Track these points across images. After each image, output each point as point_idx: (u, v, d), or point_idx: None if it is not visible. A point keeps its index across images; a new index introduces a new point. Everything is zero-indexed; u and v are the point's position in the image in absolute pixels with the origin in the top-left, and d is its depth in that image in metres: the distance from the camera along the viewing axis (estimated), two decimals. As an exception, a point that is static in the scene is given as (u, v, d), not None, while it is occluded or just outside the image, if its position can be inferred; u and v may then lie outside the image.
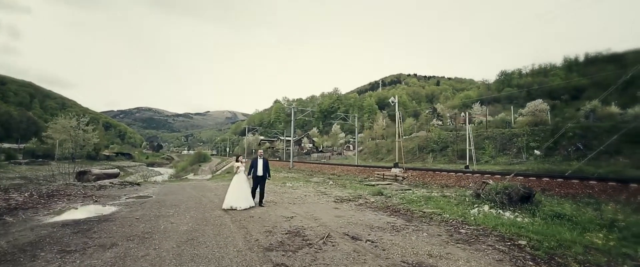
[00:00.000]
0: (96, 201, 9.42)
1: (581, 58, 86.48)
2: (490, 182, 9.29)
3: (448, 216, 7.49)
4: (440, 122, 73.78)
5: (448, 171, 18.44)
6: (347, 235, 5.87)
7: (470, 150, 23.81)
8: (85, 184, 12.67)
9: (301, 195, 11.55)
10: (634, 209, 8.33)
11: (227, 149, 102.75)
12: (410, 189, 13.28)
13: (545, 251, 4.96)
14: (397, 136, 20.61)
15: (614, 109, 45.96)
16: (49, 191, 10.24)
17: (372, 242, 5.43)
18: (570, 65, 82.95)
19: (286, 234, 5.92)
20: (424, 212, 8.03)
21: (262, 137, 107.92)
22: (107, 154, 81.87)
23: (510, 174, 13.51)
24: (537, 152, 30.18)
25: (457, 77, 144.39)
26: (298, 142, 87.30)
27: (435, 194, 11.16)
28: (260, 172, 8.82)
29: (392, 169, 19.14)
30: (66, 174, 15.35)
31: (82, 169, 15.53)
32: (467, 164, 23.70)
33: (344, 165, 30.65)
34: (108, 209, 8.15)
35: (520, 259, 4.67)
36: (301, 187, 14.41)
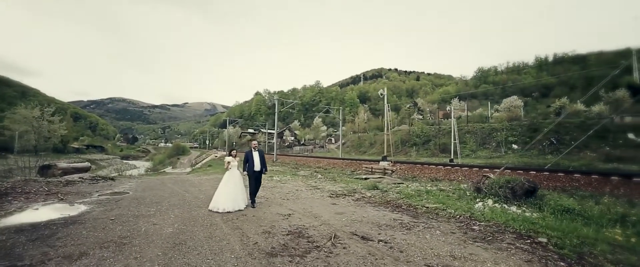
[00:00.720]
0: (62, 199, 8.28)
1: (550, 58, 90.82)
2: (491, 175, 9.02)
3: (453, 211, 7.09)
4: (420, 116, 74.98)
5: (435, 164, 18.38)
6: (356, 235, 5.29)
7: (454, 143, 23.99)
8: (49, 179, 11.31)
9: (292, 189, 10.88)
10: (630, 202, 8.33)
11: (207, 142, 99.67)
12: (402, 183, 12.94)
13: (571, 250, 4.60)
14: (385, 128, 20.28)
15: (580, 106, 48.21)
16: (1, 189, 8.91)
17: (386, 242, 4.88)
18: (541, 65, 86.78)
19: (287, 235, 5.25)
20: (427, 207, 7.61)
21: (251, 130, 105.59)
22: (77, 146, 76.85)
23: (499, 168, 13.50)
24: (514, 146, 31.05)
25: (436, 73, 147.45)
26: (280, 135, 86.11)
27: (431, 188, 10.84)
28: (257, 166, 7.78)
29: (381, 163, 18.83)
30: (26, 169, 13.75)
31: (46, 163, 13.97)
32: (452, 157, 23.89)
33: (329, 158, 30.18)
34: (76, 209, 7.10)
35: (549, 259, 4.27)
36: (290, 181, 13.72)
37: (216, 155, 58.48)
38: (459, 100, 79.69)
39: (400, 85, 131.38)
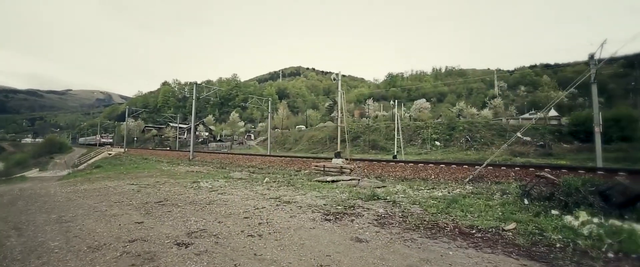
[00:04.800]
0: None
1: (443, 69, 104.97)
2: (548, 175, 6.50)
3: (552, 235, 4.09)
4: (341, 114, 75.61)
5: (386, 161, 16.10)
6: None
7: (398, 139, 22.58)
8: None
9: (247, 207, 6.41)
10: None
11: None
12: (384, 186, 9.76)
13: None
14: (338, 120, 17.04)
15: (473, 110, 55.16)
16: None
17: None
18: (437, 74, 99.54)
19: None
20: (504, 230, 4.44)
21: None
22: None
23: (481, 164, 11.73)
24: (437, 143, 32.18)
25: (350, 75, 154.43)
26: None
27: (438, 193, 7.90)
28: None
29: (334, 160, 15.47)
30: None
31: None
32: (395, 153, 22.42)
33: (258, 155, 25.41)
34: None
35: None
36: (231, 189, 9.02)
37: (110, 153, 45.81)
38: (373, 101, 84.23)
39: (318, 84, 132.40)
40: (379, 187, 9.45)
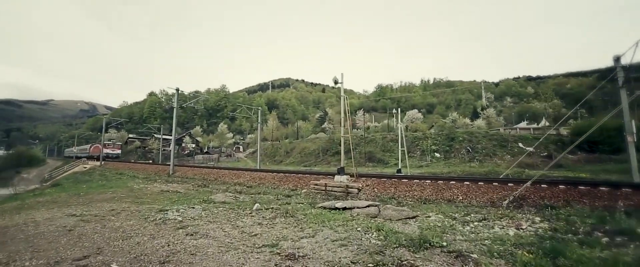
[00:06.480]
0: None
1: (431, 81, 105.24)
2: None
3: None
4: (331, 126, 73.44)
5: (389, 177, 13.69)
6: None
7: (403, 151, 20.28)
8: None
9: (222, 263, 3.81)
10: None
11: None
12: (417, 215, 7.27)
13: None
14: (342, 129, 14.59)
15: (467, 120, 53.99)
16: None
17: None
18: (425, 86, 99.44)
19: None
20: None
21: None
22: None
23: (526, 182, 9.41)
24: (437, 154, 30.17)
25: (339, 86, 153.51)
26: (178, 142, 71.08)
27: (498, 230, 5.50)
28: None
29: (337, 177, 12.91)
30: None
31: None
32: (400, 167, 20.07)
33: (246, 170, 22.61)
34: None
35: None
36: (207, 224, 6.36)
37: (85, 166, 41.61)
38: (364, 113, 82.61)
39: (308, 95, 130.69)
40: (409, 218, 6.98)
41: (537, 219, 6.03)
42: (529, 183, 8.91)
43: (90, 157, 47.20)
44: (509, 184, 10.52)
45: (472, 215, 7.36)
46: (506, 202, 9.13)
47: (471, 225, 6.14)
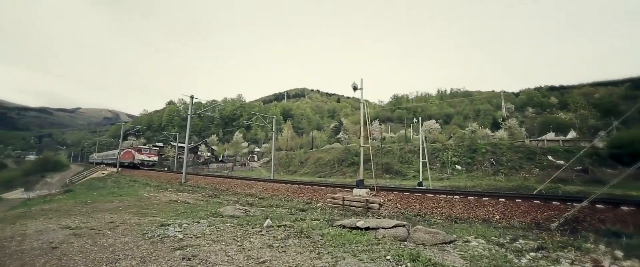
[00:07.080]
0: None
1: (448, 91, 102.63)
2: None
3: None
4: (346, 136, 72.27)
5: (421, 192, 12.42)
6: None
7: (424, 162, 18.96)
8: None
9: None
10: None
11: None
12: (454, 240, 6.10)
13: None
14: (361, 138, 13.59)
15: (487, 131, 51.63)
16: None
17: None
18: (442, 96, 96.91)
19: None
20: None
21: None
22: None
23: (582, 200, 8.03)
24: (458, 166, 28.47)
25: (354, 97, 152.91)
26: (194, 150, 71.80)
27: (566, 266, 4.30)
28: None
29: (356, 190, 11.82)
30: None
31: None
32: (421, 180, 18.72)
33: (259, 179, 21.83)
34: None
35: None
36: (210, 244, 5.48)
37: (103, 172, 42.20)
38: (379, 123, 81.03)
39: (323, 105, 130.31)
40: (445, 243, 5.84)
41: (619, 253, 4.76)
42: (585, 202, 7.54)
43: (121, 165, 41.56)
44: (554, 203, 9.14)
45: (520, 240, 6.14)
46: (555, 224, 7.78)
47: (527, 256, 4.95)
